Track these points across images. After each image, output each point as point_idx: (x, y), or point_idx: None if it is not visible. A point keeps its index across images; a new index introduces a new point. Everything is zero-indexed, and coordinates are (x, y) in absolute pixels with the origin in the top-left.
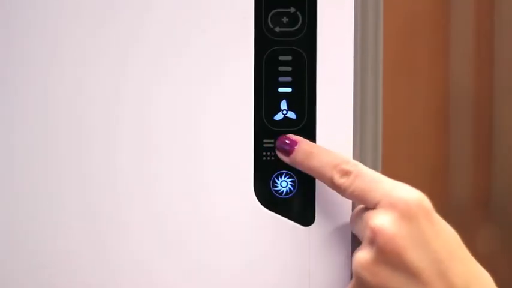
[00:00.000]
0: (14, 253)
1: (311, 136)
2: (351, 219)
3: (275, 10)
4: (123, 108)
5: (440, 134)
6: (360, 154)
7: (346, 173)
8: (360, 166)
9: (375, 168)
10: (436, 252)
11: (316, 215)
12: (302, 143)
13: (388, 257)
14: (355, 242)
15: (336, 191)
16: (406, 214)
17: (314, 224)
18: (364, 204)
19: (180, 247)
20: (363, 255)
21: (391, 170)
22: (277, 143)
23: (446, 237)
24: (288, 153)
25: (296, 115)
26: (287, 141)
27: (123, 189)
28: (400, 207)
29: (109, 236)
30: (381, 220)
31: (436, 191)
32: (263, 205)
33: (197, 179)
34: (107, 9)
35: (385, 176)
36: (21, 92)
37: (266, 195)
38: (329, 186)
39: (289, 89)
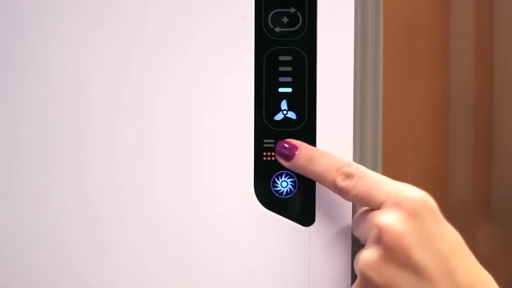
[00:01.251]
0: (15, 253)
1: (311, 136)
2: (353, 221)
3: (275, 10)
4: (123, 108)
5: (440, 134)
6: (360, 154)
7: (348, 176)
8: (362, 168)
9: (375, 168)
10: (442, 252)
11: (316, 215)
12: (303, 147)
13: (395, 254)
14: (355, 243)
15: (339, 194)
16: (412, 213)
17: (314, 224)
18: (368, 205)
19: (180, 247)
20: (369, 254)
21: (391, 170)
22: (277, 147)
23: (451, 237)
24: (289, 158)
25: (296, 115)
26: (287, 146)
27: (124, 190)
28: (405, 205)
29: (109, 237)
30: (387, 218)
31: (436, 191)
32: (263, 205)
33: (197, 179)
34: (107, 10)
35: (385, 176)
36: (21, 93)
37: (266, 196)
38: (331, 189)
39: (289, 89)
